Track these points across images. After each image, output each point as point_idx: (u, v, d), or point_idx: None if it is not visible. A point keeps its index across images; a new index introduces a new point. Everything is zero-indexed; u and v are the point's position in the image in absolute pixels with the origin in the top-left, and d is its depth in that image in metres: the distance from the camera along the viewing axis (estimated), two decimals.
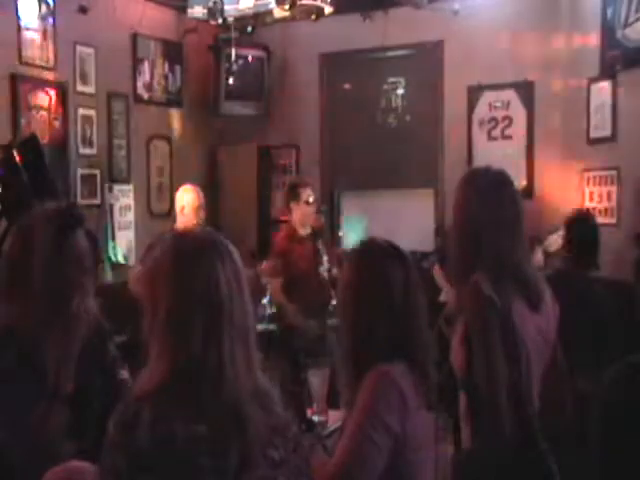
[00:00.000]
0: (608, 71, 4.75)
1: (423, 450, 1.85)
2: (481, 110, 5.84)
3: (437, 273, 4.71)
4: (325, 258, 4.56)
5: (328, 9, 5.33)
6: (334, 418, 2.58)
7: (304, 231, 4.75)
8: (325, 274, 4.55)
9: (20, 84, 4.90)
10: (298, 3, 5.25)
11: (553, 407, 2.15)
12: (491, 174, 2.18)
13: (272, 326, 4.94)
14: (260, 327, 4.89)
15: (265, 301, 5.34)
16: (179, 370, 1.38)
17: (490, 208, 2.09)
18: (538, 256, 4.45)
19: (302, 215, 4.72)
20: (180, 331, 1.39)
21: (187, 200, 4.60)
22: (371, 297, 1.86)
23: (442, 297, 4.66)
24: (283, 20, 6.15)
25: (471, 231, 2.10)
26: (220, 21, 5.70)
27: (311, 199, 4.73)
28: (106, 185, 5.64)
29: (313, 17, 5.45)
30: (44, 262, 1.90)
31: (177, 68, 6.38)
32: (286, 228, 4.88)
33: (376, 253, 1.92)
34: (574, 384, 2.71)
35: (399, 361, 1.82)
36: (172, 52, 6.33)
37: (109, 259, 5.61)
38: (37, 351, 1.89)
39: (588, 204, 4.98)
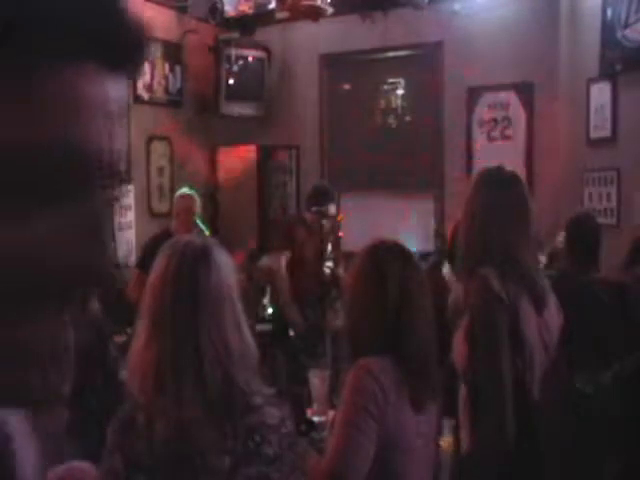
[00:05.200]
0: (608, 71, 4.75)
1: (410, 453, 1.84)
2: (481, 111, 5.84)
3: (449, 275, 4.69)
4: (329, 254, 4.62)
5: (328, 10, 5.34)
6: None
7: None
8: (328, 270, 4.60)
9: None
10: (298, 4, 5.26)
11: (548, 413, 2.15)
12: (504, 173, 2.22)
13: (272, 326, 4.96)
14: (260, 327, 4.90)
15: (265, 301, 5.35)
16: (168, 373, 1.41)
17: (501, 207, 2.12)
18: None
19: (316, 221, 4.74)
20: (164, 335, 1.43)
21: (182, 207, 4.61)
22: (366, 289, 1.89)
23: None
24: (283, 21, 6.17)
25: (481, 228, 2.12)
26: (220, 21, 5.71)
27: (331, 213, 4.72)
28: None
29: (313, 18, 5.46)
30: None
31: (177, 69, 6.39)
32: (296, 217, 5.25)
33: (378, 250, 1.95)
34: (572, 390, 2.72)
35: (388, 356, 1.82)
36: (172, 53, 6.33)
37: None
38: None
39: (588, 204, 4.98)
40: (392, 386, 1.78)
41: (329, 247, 4.59)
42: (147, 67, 6.07)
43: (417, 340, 1.86)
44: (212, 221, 6.48)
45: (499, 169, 2.24)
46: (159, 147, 6.26)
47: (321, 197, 4.66)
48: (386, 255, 1.92)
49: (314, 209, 4.61)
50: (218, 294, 1.46)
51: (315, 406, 2.74)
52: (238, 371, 1.44)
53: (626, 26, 4.55)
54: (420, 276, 1.95)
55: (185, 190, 4.78)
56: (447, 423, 2.46)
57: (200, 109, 6.60)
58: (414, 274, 1.92)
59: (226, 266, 1.50)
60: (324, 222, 4.63)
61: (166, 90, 6.30)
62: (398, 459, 1.81)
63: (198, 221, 4.83)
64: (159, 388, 1.39)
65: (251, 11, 5.91)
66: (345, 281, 2.07)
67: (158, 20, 6.15)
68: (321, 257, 4.62)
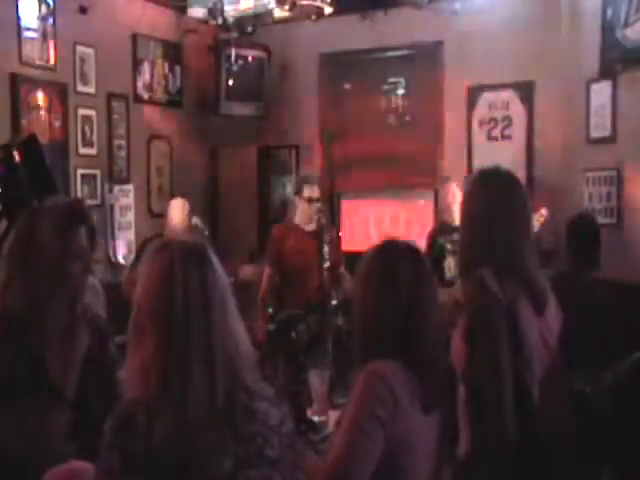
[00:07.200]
0: (608, 71, 4.75)
1: (417, 456, 1.83)
2: (481, 110, 5.84)
3: None
4: (327, 257, 4.54)
5: (328, 9, 5.34)
6: (334, 418, 2.57)
7: (308, 227, 4.73)
8: (326, 273, 4.53)
9: (20, 84, 4.90)
10: (298, 3, 5.26)
11: (548, 413, 2.13)
12: (503, 174, 2.18)
13: (271, 326, 4.94)
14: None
15: None
16: (165, 374, 1.40)
17: (503, 208, 2.09)
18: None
19: (301, 211, 4.74)
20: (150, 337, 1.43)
21: (173, 216, 5.06)
22: (378, 289, 1.87)
23: None
24: (283, 20, 6.16)
25: (482, 230, 2.09)
26: (220, 21, 5.70)
27: (313, 196, 4.71)
28: (106, 185, 5.64)
29: (313, 17, 5.46)
30: (45, 259, 1.90)
31: (177, 68, 6.39)
32: (286, 220, 5.15)
33: (390, 249, 1.93)
34: (571, 392, 2.70)
35: (399, 357, 1.81)
36: (172, 52, 6.33)
37: (109, 259, 5.62)
38: (38, 352, 1.89)
39: (588, 204, 4.97)
40: (404, 389, 1.77)
41: (325, 249, 4.54)
42: (147, 67, 6.08)
43: (429, 342, 1.85)
44: (212, 221, 6.47)
45: (496, 169, 2.21)
46: (159, 147, 6.26)
47: (298, 184, 4.94)
48: (397, 255, 1.90)
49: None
50: (224, 293, 1.46)
51: (315, 406, 2.74)
52: (243, 371, 1.44)
53: (626, 26, 4.55)
54: (430, 276, 1.94)
55: (176, 200, 5.13)
56: None
57: (200, 109, 6.59)
58: (425, 274, 1.90)
59: (220, 266, 1.51)
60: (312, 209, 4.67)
61: (166, 90, 6.30)
62: (405, 460, 1.80)
63: (197, 220, 4.85)
64: (163, 388, 1.38)
65: (251, 11, 5.90)
66: (353, 281, 2.03)
67: (158, 20, 6.16)
68: (320, 261, 4.56)
